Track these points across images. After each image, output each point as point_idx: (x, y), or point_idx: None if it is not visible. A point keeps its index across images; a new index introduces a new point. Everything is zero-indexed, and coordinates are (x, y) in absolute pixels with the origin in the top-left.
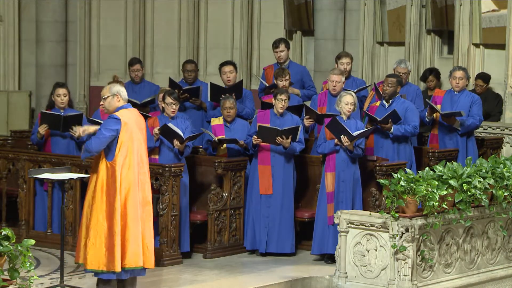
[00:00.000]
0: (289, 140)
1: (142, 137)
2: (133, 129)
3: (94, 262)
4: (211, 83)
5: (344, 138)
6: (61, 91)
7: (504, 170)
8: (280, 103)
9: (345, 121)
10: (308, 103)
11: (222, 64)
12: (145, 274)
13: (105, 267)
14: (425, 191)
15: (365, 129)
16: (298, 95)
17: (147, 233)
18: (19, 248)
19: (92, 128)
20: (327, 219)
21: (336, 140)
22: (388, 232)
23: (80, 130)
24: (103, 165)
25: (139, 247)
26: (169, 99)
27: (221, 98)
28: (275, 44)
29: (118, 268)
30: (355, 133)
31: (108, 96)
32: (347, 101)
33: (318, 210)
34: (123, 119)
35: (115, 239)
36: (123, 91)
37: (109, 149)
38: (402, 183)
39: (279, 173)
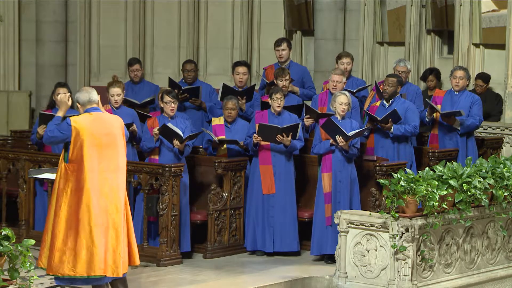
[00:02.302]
0: (289, 138)
1: (107, 141)
2: (87, 134)
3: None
4: (223, 84)
5: (339, 139)
6: (62, 90)
7: (504, 170)
8: (276, 102)
9: (340, 121)
10: (308, 103)
11: (236, 64)
12: (103, 282)
13: (48, 271)
14: (425, 191)
15: (360, 129)
16: (297, 93)
17: (116, 241)
18: (19, 248)
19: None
20: (325, 219)
21: (331, 140)
22: (388, 232)
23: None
24: (61, 166)
25: (98, 255)
26: (167, 98)
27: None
28: (277, 43)
29: (50, 272)
30: (350, 133)
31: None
32: (341, 101)
33: (316, 211)
34: (76, 125)
35: (55, 244)
36: (79, 97)
37: (65, 151)
38: (402, 183)
39: (281, 172)
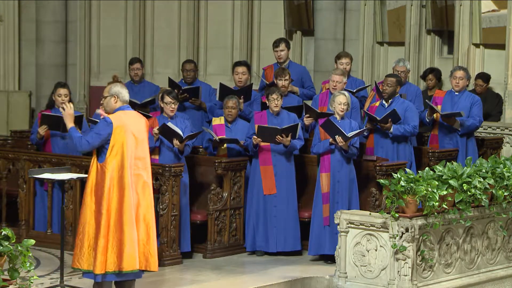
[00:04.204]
0: (289, 138)
1: (141, 139)
2: (127, 132)
3: (79, 262)
4: (220, 84)
5: (338, 138)
6: (62, 91)
7: (504, 170)
8: (273, 103)
9: (339, 121)
10: (309, 103)
11: (236, 64)
12: (141, 276)
13: (88, 268)
14: (425, 191)
15: (359, 130)
16: (296, 93)
17: (147, 236)
18: (19, 248)
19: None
20: (323, 220)
21: (331, 140)
22: (388, 232)
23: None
24: (94, 167)
25: (135, 250)
26: (167, 98)
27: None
28: (276, 44)
29: (98, 270)
30: (350, 134)
31: (107, 97)
32: (340, 101)
33: (314, 211)
34: (116, 122)
35: (99, 242)
36: (122, 92)
37: (101, 151)
38: (402, 183)
39: (282, 172)
